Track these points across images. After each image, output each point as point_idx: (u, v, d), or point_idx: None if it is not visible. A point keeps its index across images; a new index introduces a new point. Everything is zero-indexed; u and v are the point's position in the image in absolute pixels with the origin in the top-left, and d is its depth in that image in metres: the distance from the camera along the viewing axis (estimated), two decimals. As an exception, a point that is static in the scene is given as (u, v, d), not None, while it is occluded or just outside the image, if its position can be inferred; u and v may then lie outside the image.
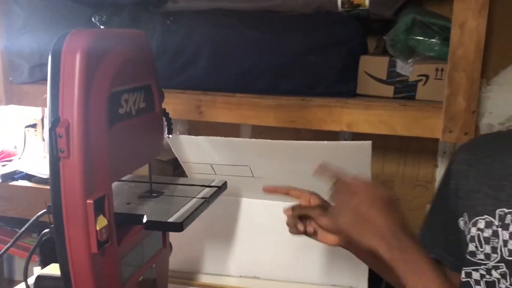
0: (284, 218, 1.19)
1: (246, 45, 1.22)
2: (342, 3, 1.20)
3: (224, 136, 1.12)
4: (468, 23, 1.07)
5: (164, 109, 0.95)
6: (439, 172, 1.40)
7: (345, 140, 1.44)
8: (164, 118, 0.97)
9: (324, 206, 0.94)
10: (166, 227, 0.87)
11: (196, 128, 1.54)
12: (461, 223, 0.84)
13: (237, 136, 1.53)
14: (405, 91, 1.22)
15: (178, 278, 1.22)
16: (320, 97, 1.23)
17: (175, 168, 1.46)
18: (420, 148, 1.40)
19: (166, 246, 0.99)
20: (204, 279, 1.23)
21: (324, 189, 1.01)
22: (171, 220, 0.83)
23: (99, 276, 0.74)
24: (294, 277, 1.19)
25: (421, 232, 0.96)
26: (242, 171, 1.12)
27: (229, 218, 1.23)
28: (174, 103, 1.28)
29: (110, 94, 0.74)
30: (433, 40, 1.15)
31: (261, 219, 1.20)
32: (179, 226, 0.82)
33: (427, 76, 1.19)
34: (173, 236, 0.99)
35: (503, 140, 0.87)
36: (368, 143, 0.98)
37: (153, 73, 0.90)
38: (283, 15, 1.26)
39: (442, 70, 1.17)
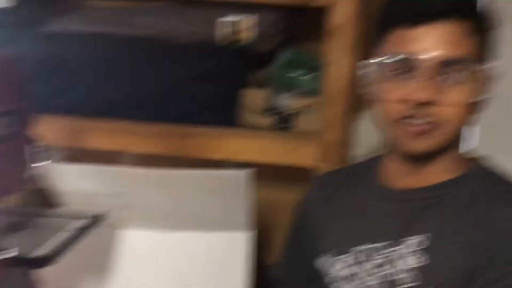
0: (164, 248, 1.18)
1: (128, 71, 1.21)
2: (223, 37, 1.25)
3: (105, 164, 1.09)
4: (339, 61, 1.16)
5: (36, 135, 0.90)
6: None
7: (230, 169, 1.46)
8: (36, 145, 0.91)
9: None
10: (29, 263, 0.80)
11: (75, 155, 1.46)
12: (318, 263, 0.87)
13: (119, 164, 1.48)
14: (283, 122, 1.29)
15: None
16: (202, 126, 1.25)
17: (47, 199, 1.37)
18: (301, 176, 1.46)
19: (34, 283, 0.92)
20: (79, 316, 1.16)
21: (200, 218, 1.01)
22: (35, 255, 0.77)
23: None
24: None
25: (280, 267, 0.99)
26: (120, 200, 1.09)
27: (108, 250, 1.18)
28: (51, 129, 1.21)
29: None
30: (309, 75, 1.23)
31: (142, 250, 1.17)
32: (43, 261, 0.77)
33: (303, 109, 1.27)
34: (45, 272, 0.92)
35: (350, 176, 0.92)
36: (246, 171, 1.01)
37: (24, 97, 0.85)
38: (166, 44, 1.27)
39: (317, 103, 1.26)
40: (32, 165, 0.93)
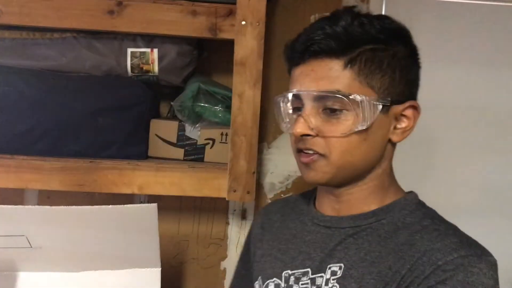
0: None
1: (27, 104, 1.15)
2: (132, 68, 1.23)
3: (7, 203, 1.01)
4: (245, 94, 1.19)
5: None
6: (231, 230, 1.48)
7: (141, 202, 1.43)
8: None
9: None
10: None
11: (-30, 194, 1.36)
12: (256, 286, 0.88)
13: (22, 202, 1.40)
14: (194, 153, 1.28)
15: None
16: (110, 160, 1.21)
17: None
18: (213, 207, 1.46)
19: None
20: None
21: (107, 255, 0.96)
22: None
23: None
24: None
25: None
26: (17, 242, 1.02)
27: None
28: None
29: None
30: (217, 107, 1.25)
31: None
32: None
33: (213, 140, 1.28)
34: None
35: (290, 205, 0.94)
36: (154, 205, 0.98)
37: None
38: (70, 76, 1.23)
39: (226, 134, 1.27)
40: None
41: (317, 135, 0.76)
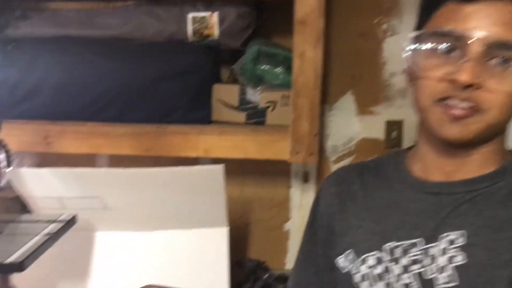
0: (142, 249, 1.17)
1: (95, 73, 1.20)
2: (193, 33, 1.24)
3: (78, 167, 1.07)
4: (306, 54, 1.17)
5: (1, 141, 0.88)
6: (293, 193, 1.49)
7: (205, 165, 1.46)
8: (5, 151, 0.90)
9: None
10: (4, 268, 0.79)
11: (47, 160, 1.44)
12: (340, 261, 0.81)
13: (94, 167, 1.47)
14: (256, 116, 1.29)
15: (27, 325, 1.11)
16: (175, 124, 1.24)
17: (23, 206, 1.34)
18: (275, 171, 1.47)
19: (8, 290, 0.90)
20: (57, 322, 1.14)
21: (177, 216, 0.99)
22: (9, 260, 0.76)
23: None
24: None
25: (293, 276, 0.92)
26: (94, 203, 1.08)
27: (83, 254, 1.16)
28: (18, 135, 1.19)
29: None
30: (278, 69, 1.24)
31: (118, 252, 1.16)
32: (18, 266, 0.76)
33: (274, 103, 1.28)
34: (19, 278, 0.91)
35: (368, 172, 0.85)
36: (220, 167, 1.01)
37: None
38: (133, 43, 1.26)
39: (287, 97, 1.26)
40: (4, 171, 0.91)
41: (478, 86, 0.67)
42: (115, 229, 1.15)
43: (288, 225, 1.50)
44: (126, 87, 1.21)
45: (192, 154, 1.24)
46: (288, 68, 1.22)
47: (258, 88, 1.26)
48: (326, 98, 1.42)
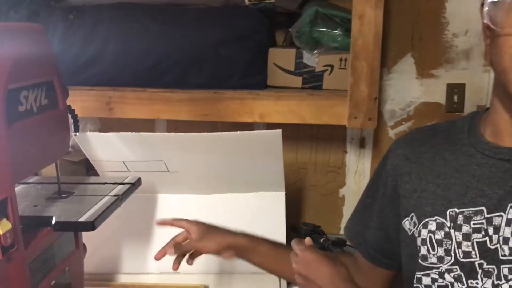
0: (202, 211, 1.20)
1: (153, 39, 1.21)
2: (249, -4, 1.23)
3: (139, 132, 1.11)
4: (366, 15, 1.13)
5: (69, 106, 0.92)
6: (349, 158, 1.48)
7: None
8: (69, 116, 0.93)
9: (204, 232, 0.95)
10: (77, 227, 0.83)
11: (109, 126, 1.49)
12: (405, 223, 0.80)
13: (153, 131, 1.51)
14: (312, 81, 1.27)
15: (95, 281, 1.18)
16: (232, 90, 1.25)
17: (88, 169, 1.40)
18: (330, 136, 1.46)
19: (79, 247, 0.95)
20: (123, 278, 1.20)
21: (235, 179, 1.01)
22: (81, 219, 0.80)
23: (7, 283, 0.70)
24: (215, 269, 1.20)
25: (349, 224, 0.94)
26: (156, 166, 1.11)
27: (146, 215, 1.21)
28: (82, 101, 1.24)
29: (7, 92, 0.69)
30: (336, 31, 1.21)
31: (178, 214, 1.19)
32: (90, 225, 0.79)
33: (332, 66, 1.25)
34: (88, 237, 0.96)
35: (439, 134, 0.82)
36: (279, 131, 1.01)
37: (55, 68, 0.85)
38: (189, 9, 1.26)
39: (345, 60, 1.24)
40: (72, 134, 0.95)
41: None
42: (176, 192, 1.19)
43: (343, 191, 1.49)
44: (184, 53, 1.22)
45: (249, 119, 1.24)
46: (347, 30, 1.19)
47: (315, 51, 1.24)
48: (384, 61, 1.38)
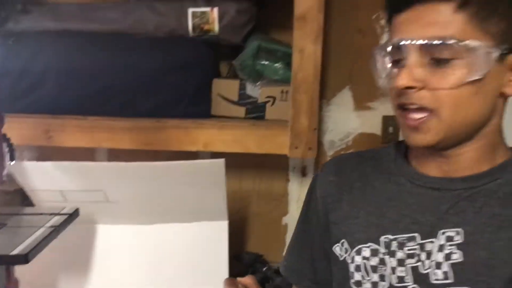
0: (143, 242, 1.18)
1: (96, 66, 1.21)
2: (193, 28, 1.25)
3: (79, 161, 1.08)
4: (306, 49, 1.18)
5: (4, 135, 0.89)
6: (291, 187, 1.51)
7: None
8: (4, 145, 0.90)
9: None
10: (9, 261, 0.80)
11: (47, 154, 1.45)
12: (336, 249, 0.82)
13: (93, 160, 1.48)
14: (255, 111, 1.30)
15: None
16: (176, 119, 1.25)
17: (24, 198, 1.35)
18: (273, 165, 1.49)
19: (12, 282, 0.91)
20: (59, 312, 1.16)
21: (178, 209, 1.00)
22: (14, 252, 0.77)
23: None
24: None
25: (286, 262, 0.93)
26: (96, 196, 1.09)
27: (84, 247, 1.18)
28: (19, 128, 1.20)
29: None
30: (277, 64, 1.25)
31: (118, 244, 1.17)
32: (23, 259, 0.77)
33: (274, 98, 1.29)
34: (21, 271, 0.92)
35: (367, 162, 0.85)
36: (221, 160, 1.02)
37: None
38: (135, 38, 1.26)
39: (287, 92, 1.28)
40: (7, 163, 0.92)
41: (422, 88, 0.69)
42: (116, 222, 1.16)
43: (286, 219, 1.51)
44: (127, 81, 1.22)
45: (192, 148, 1.25)
46: (288, 64, 1.24)
47: (258, 83, 1.27)
48: (324, 93, 1.43)
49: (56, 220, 0.92)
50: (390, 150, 0.84)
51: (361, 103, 1.44)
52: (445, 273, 0.70)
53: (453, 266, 0.70)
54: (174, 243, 1.16)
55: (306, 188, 1.48)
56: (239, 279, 0.79)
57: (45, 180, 1.09)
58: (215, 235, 1.15)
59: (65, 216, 0.94)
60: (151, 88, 1.23)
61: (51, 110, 1.24)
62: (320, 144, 1.46)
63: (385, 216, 0.77)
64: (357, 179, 0.83)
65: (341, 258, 0.81)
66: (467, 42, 0.66)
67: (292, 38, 1.18)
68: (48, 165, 1.06)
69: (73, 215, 0.97)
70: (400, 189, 0.78)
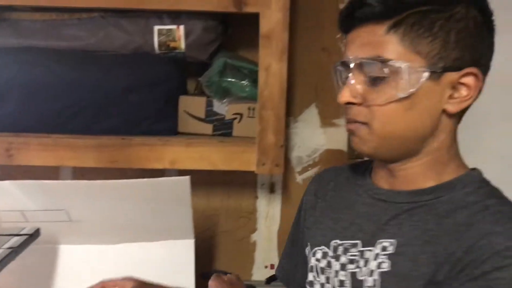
0: (108, 262, 1.15)
1: (60, 84, 1.19)
2: (159, 45, 1.25)
3: (41, 179, 1.06)
4: (272, 67, 1.19)
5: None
6: (259, 203, 1.51)
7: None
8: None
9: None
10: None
11: (9, 173, 1.41)
12: (306, 251, 0.88)
13: (57, 179, 1.45)
14: (222, 128, 1.30)
15: None
16: (141, 136, 1.24)
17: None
18: (241, 182, 1.49)
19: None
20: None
21: (143, 228, 0.99)
22: (-31, 275, 0.74)
23: None
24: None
25: (279, 264, 0.99)
26: (57, 216, 1.06)
27: (45, 268, 1.14)
28: (-21, 147, 1.17)
29: None
30: (244, 82, 1.26)
31: (81, 265, 1.14)
32: (-22, 281, 0.74)
33: (241, 115, 1.29)
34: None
35: (343, 174, 0.91)
36: (186, 178, 1.01)
37: None
38: (100, 55, 1.26)
39: (253, 109, 1.29)
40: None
41: (361, 104, 0.74)
42: (79, 242, 1.14)
43: (254, 236, 1.51)
44: (92, 98, 1.20)
45: (159, 165, 1.24)
46: (254, 81, 1.25)
47: (225, 100, 1.28)
48: (291, 110, 1.45)
49: (15, 241, 0.90)
50: (364, 163, 0.89)
51: (327, 120, 1.46)
52: (374, 280, 0.74)
53: (381, 275, 0.73)
54: (139, 263, 1.14)
55: (274, 205, 1.51)
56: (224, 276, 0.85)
57: (5, 199, 1.05)
58: (181, 254, 1.14)
59: (25, 237, 0.91)
60: (116, 105, 1.22)
61: (13, 128, 1.21)
62: (287, 160, 1.47)
63: (339, 222, 0.83)
64: (332, 188, 0.90)
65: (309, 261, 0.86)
66: (391, 62, 0.70)
67: (258, 56, 1.20)
68: (7, 184, 1.03)
69: (34, 235, 0.94)
70: (357, 199, 0.83)
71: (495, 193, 0.75)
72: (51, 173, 1.42)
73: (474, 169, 0.79)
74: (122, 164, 1.23)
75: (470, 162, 0.81)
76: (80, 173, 1.43)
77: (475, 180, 0.76)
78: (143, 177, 1.08)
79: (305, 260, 0.90)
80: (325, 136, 1.47)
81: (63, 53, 1.24)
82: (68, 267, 1.16)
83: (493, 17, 0.74)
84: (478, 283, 0.65)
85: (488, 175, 0.79)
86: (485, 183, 0.77)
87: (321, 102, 1.46)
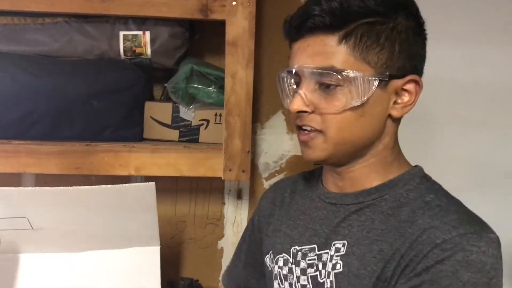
0: (71, 271, 1.13)
1: (21, 90, 1.16)
2: (124, 51, 1.24)
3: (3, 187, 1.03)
4: (238, 74, 1.20)
5: None
6: (227, 209, 1.51)
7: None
8: None
9: None
10: None
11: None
12: (267, 259, 0.90)
13: (19, 186, 1.41)
14: (189, 134, 1.30)
15: None
16: (106, 142, 1.23)
17: None
18: (209, 188, 1.49)
19: None
20: None
21: (107, 235, 0.97)
22: None
23: None
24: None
25: (229, 268, 1.02)
26: (19, 223, 1.03)
27: (6, 278, 1.11)
28: None
29: None
30: (210, 88, 1.26)
31: (44, 274, 1.11)
32: None
33: (207, 121, 1.30)
34: None
35: (300, 181, 0.93)
36: (152, 184, 1.00)
37: None
38: (63, 60, 1.24)
39: (220, 115, 1.29)
40: None
41: (313, 112, 0.76)
42: (41, 251, 1.11)
43: (221, 243, 1.51)
44: (55, 105, 1.18)
45: (124, 172, 1.23)
46: (221, 87, 1.25)
47: (191, 106, 1.28)
48: (257, 117, 1.46)
49: (-28, 250, 0.87)
50: (319, 170, 0.92)
51: (293, 126, 1.48)
52: (331, 282, 0.77)
53: (336, 275, 0.76)
54: (104, 271, 1.12)
55: (241, 210, 1.52)
56: None
57: (-38, 208, 1.02)
58: (147, 261, 1.12)
59: (-17, 246, 0.89)
60: (79, 111, 1.20)
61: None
62: (254, 166, 1.48)
63: (296, 228, 0.85)
64: (288, 195, 0.92)
65: (270, 268, 0.88)
66: (346, 72, 0.72)
67: (225, 63, 1.20)
68: (-35, 192, 1.00)
69: (-8, 244, 0.91)
70: (311, 205, 0.86)
71: (434, 188, 0.79)
72: (13, 180, 1.39)
73: (416, 166, 0.82)
74: (86, 171, 1.21)
75: (424, 165, 0.83)
76: (43, 180, 1.40)
77: (416, 177, 0.79)
78: (108, 184, 1.06)
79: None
80: (292, 143, 1.48)
81: (26, 58, 1.21)
82: (30, 277, 1.12)
83: (425, 26, 0.78)
84: (423, 277, 0.68)
85: (442, 176, 0.82)
86: (426, 178, 0.81)
87: (287, 109, 1.47)
